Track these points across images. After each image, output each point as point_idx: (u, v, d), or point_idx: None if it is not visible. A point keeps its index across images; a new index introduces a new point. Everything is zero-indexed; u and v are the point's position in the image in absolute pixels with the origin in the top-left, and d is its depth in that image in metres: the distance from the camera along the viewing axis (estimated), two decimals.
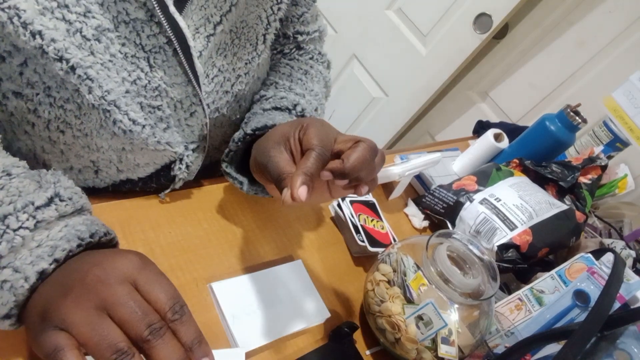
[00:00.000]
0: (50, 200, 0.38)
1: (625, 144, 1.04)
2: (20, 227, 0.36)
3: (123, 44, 0.45)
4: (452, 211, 0.82)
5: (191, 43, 0.47)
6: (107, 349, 0.32)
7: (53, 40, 0.40)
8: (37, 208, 0.37)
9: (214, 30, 0.50)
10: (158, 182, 0.57)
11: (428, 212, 0.86)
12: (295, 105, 0.61)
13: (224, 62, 0.54)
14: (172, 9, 0.45)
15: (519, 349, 0.54)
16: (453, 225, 0.82)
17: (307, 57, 0.72)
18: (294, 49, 0.72)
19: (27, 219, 0.36)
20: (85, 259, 0.38)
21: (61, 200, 0.39)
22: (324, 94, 0.73)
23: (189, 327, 0.37)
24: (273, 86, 0.66)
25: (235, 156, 0.58)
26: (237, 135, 0.56)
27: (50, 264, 0.36)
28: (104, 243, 0.42)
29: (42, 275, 0.36)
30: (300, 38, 0.70)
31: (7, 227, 0.35)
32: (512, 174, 0.86)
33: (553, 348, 0.55)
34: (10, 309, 0.35)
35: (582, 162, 0.90)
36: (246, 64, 0.57)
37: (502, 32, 1.49)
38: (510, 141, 1.01)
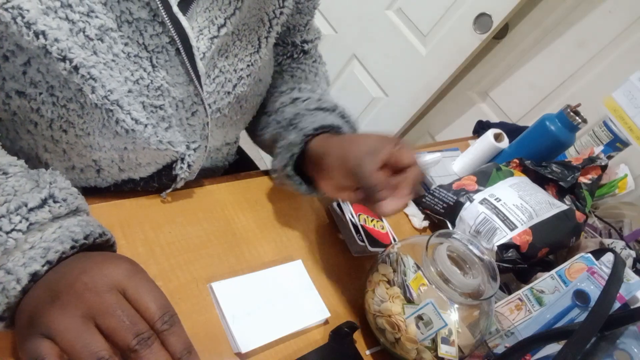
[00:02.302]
0: (44, 202, 0.38)
1: (625, 144, 1.04)
2: (13, 230, 0.36)
3: (126, 44, 0.45)
4: (452, 211, 0.82)
5: (193, 43, 0.47)
6: (88, 357, 0.32)
7: (56, 40, 0.40)
8: (30, 210, 0.37)
9: (218, 32, 0.50)
10: (160, 182, 0.57)
11: (428, 212, 0.86)
12: (335, 107, 0.65)
13: (225, 63, 0.55)
14: (176, 8, 0.45)
15: (519, 349, 0.54)
16: (453, 225, 0.82)
17: (311, 61, 0.76)
18: (301, 54, 0.75)
19: (20, 221, 0.36)
20: (75, 264, 0.37)
21: (55, 202, 0.39)
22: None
23: (179, 337, 0.36)
24: (297, 90, 0.69)
25: (291, 159, 0.61)
26: (295, 138, 0.59)
27: (43, 266, 0.36)
28: (100, 244, 0.41)
29: (35, 277, 0.36)
30: (307, 47, 0.74)
31: (0, 229, 0.35)
32: (512, 174, 0.86)
33: (553, 348, 0.55)
34: (2, 311, 0.35)
35: (582, 162, 0.90)
36: (248, 65, 0.58)
37: (502, 32, 1.49)
38: (510, 141, 1.01)
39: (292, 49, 0.73)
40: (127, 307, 0.35)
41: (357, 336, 0.60)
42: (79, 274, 0.35)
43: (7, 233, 0.35)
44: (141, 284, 0.37)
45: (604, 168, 0.91)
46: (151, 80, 0.47)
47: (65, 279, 0.35)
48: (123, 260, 0.38)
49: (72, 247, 0.38)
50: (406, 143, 0.55)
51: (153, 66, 0.47)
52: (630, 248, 0.86)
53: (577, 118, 0.91)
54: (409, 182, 0.52)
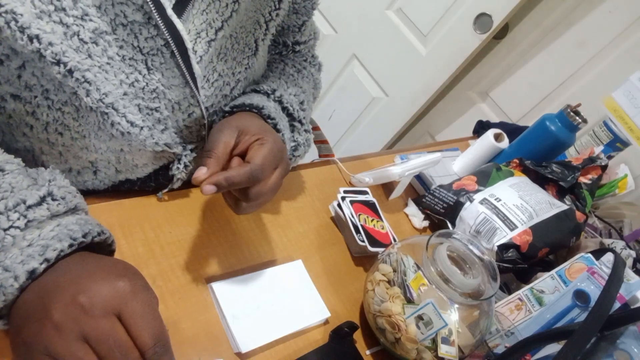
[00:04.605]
0: (42, 199, 0.38)
1: (625, 144, 1.04)
2: (10, 227, 0.35)
3: (121, 47, 0.45)
4: (452, 211, 0.82)
5: (188, 45, 0.47)
6: None
7: (50, 43, 0.40)
8: (29, 207, 0.37)
9: (216, 35, 0.50)
10: (157, 182, 0.57)
11: (428, 212, 0.86)
12: (274, 91, 0.62)
13: (225, 67, 0.54)
14: (170, 11, 0.45)
15: (519, 349, 0.54)
16: (453, 225, 0.82)
17: (301, 59, 0.74)
18: (290, 53, 0.74)
19: (18, 218, 0.36)
20: (72, 274, 0.37)
21: (53, 200, 0.39)
22: (313, 95, 0.75)
23: None
24: (263, 78, 0.67)
25: None
26: (219, 116, 0.58)
27: (41, 264, 0.36)
28: (98, 243, 0.41)
29: (33, 275, 0.35)
30: (298, 47, 0.73)
31: None
32: (512, 174, 0.86)
33: (553, 348, 0.55)
34: (0, 309, 0.35)
35: (582, 162, 0.90)
36: (246, 68, 0.58)
37: (502, 32, 1.49)
38: (510, 141, 1.01)
39: (282, 48, 0.72)
40: (121, 334, 0.35)
41: (357, 336, 0.60)
42: (77, 293, 0.35)
43: (4, 230, 0.35)
44: (138, 308, 0.36)
45: (604, 168, 0.91)
46: (146, 83, 0.47)
47: (61, 294, 0.35)
48: (124, 281, 0.37)
49: (71, 246, 0.37)
50: (272, 140, 0.50)
51: (148, 69, 0.47)
52: (630, 248, 0.86)
53: (577, 118, 0.91)
54: (238, 171, 0.46)
